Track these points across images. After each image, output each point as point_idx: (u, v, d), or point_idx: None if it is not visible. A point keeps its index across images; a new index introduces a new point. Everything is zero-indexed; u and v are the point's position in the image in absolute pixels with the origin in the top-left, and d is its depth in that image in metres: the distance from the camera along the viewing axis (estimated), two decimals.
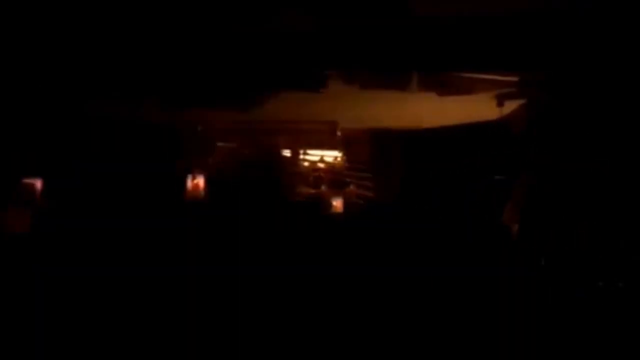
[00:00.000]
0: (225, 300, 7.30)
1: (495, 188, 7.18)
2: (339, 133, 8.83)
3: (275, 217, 8.36)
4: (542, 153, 6.35)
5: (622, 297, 5.54)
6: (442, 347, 6.58)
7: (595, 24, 5.16)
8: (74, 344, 6.53)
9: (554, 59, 5.63)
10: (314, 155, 9.42)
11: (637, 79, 5.53)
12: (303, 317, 7.19)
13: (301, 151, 9.39)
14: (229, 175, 8.92)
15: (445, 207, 8.10)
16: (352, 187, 9.25)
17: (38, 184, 7.80)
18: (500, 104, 6.70)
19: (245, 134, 9.09)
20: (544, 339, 5.82)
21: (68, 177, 7.97)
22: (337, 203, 8.73)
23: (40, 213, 7.62)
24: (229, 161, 9.20)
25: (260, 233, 8.09)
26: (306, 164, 9.42)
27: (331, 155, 9.40)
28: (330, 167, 9.39)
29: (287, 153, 9.43)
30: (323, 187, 9.27)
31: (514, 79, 6.13)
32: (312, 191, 9.24)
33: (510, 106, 6.78)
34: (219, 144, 9.22)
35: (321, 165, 9.42)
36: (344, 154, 9.32)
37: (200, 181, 8.49)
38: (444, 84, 6.16)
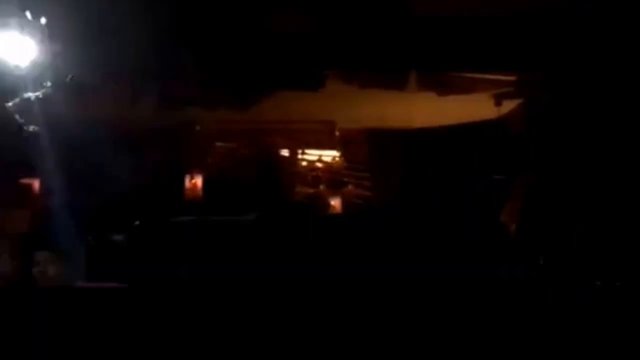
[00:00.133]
0: (221, 301, 7.29)
1: (494, 188, 7.18)
2: (337, 133, 8.82)
3: (273, 217, 8.35)
4: (540, 152, 6.36)
5: (620, 296, 5.55)
6: (441, 347, 6.58)
7: (593, 24, 5.16)
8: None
9: (552, 58, 5.63)
10: (312, 155, 9.41)
11: (635, 78, 5.54)
12: (301, 318, 7.19)
13: (299, 151, 9.39)
14: (227, 175, 8.92)
15: (444, 206, 8.10)
16: (350, 187, 9.25)
17: (36, 184, 7.80)
18: (498, 103, 6.71)
19: (243, 134, 9.09)
20: (543, 339, 5.83)
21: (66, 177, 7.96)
22: (336, 203, 8.73)
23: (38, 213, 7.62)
24: (227, 161, 9.20)
25: (258, 233, 8.09)
26: (304, 163, 9.42)
27: (330, 155, 9.39)
28: (329, 167, 9.39)
29: (285, 153, 9.42)
30: (321, 187, 9.27)
31: (512, 78, 6.14)
32: (311, 191, 9.24)
33: (509, 105, 6.79)
34: (217, 144, 9.22)
35: (319, 165, 9.41)
36: (343, 154, 9.32)
37: (198, 181, 8.49)
38: (442, 84, 6.16)
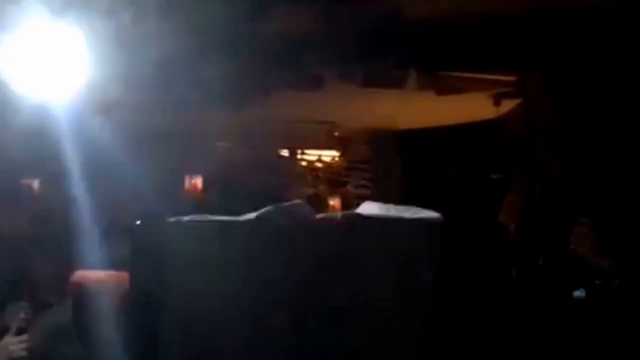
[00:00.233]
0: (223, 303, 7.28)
1: (494, 187, 7.19)
2: (336, 133, 8.83)
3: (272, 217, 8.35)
4: (540, 152, 6.36)
5: (619, 296, 5.54)
6: (441, 346, 6.58)
7: (593, 24, 5.16)
8: None
9: (551, 58, 5.63)
10: (311, 155, 9.42)
11: (635, 78, 5.54)
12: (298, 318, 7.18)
13: (299, 151, 9.40)
14: (227, 176, 8.92)
15: (444, 206, 8.10)
16: (350, 187, 9.26)
17: (36, 184, 7.79)
18: (497, 103, 6.72)
19: (242, 134, 9.09)
20: (542, 339, 5.83)
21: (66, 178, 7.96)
22: (335, 203, 8.73)
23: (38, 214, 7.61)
24: (226, 161, 9.20)
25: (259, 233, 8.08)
26: (304, 164, 9.43)
27: (329, 155, 9.41)
28: (328, 167, 9.40)
29: (284, 153, 9.43)
30: (321, 188, 9.28)
31: (512, 78, 6.15)
32: (310, 191, 9.24)
33: (508, 105, 6.79)
34: (217, 144, 9.23)
35: (319, 165, 9.43)
36: (342, 154, 9.33)
37: (198, 182, 8.50)
38: (442, 84, 6.16)
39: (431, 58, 5.70)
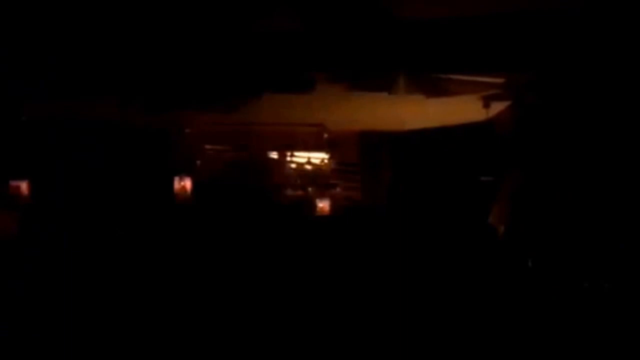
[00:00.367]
0: (212, 301, 7.29)
1: (482, 189, 7.20)
2: (326, 135, 8.83)
3: (261, 219, 8.36)
4: (529, 154, 6.37)
5: (608, 298, 5.56)
6: (431, 348, 6.59)
7: (582, 25, 5.17)
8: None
9: (540, 60, 5.64)
10: (301, 157, 9.42)
11: (624, 79, 5.56)
12: (291, 318, 7.19)
13: (288, 153, 9.40)
14: (216, 178, 8.91)
15: (433, 208, 8.12)
16: (339, 189, 9.26)
17: (24, 186, 7.77)
18: (486, 105, 6.72)
19: (232, 136, 9.08)
20: (530, 340, 5.84)
21: (55, 179, 7.95)
22: (324, 205, 8.73)
23: (26, 215, 7.60)
24: (216, 163, 9.19)
25: (247, 235, 8.09)
26: (293, 166, 9.43)
27: (318, 157, 9.41)
28: (318, 169, 9.40)
29: (274, 155, 9.43)
30: (310, 190, 9.27)
31: (501, 80, 6.15)
32: (299, 193, 9.24)
33: (497, 107, 6.80)
34: (206, 146, 9.22)
35: (308, 167, 9.42)
36: (332, 156, 9.33)
37: (188, 184, 8.47)
38: (431, 86, 6.16)
39: (420, 60, 5.70)
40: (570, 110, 5.99)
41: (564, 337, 5.61)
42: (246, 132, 8.89)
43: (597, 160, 5.83)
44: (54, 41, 5.61)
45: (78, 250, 7.56)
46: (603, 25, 5.11)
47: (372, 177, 9.17)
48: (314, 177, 9.28)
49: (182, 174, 8.42)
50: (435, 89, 6.18)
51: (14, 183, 7.75)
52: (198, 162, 9.02)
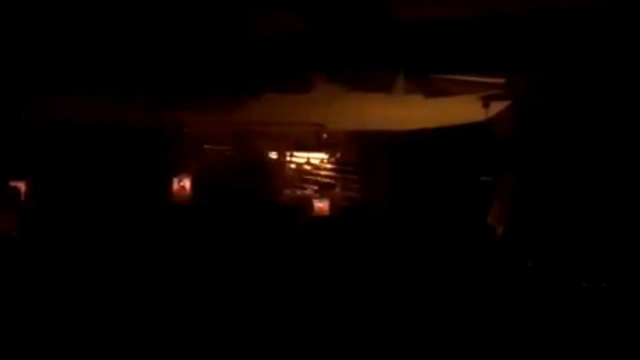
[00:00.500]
0: (209, 302, 7.29)
1: (481, 190, 7.20)
2: (325, 135, 8.83)
3: (261, 219, 8.35)
4: (528, 155, 6.37)
5: (607, 298, 5.57)
6: (430, 348, 6.59)
7: (581, 26, 5.18)
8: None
9: (540, 60, 5.64)
10: (300, 157, 9.42)
11: (623, 80, 5.56)
12: (290, 320, 7.19)
13: (288, 153, 9.40)
14: (216, 178, 8.91)
15: (432, 208, 8.12)
16: (338, 189, 9.26)
17: (23, 186, 7.77)
18: (486, 105, 6.72)
19: (231, 136, 9.08)
20: (529, 340, 5.84)
21: (55, 179, 7.95)
22: (324, 205, 8.73)
23: (26, 215, 7.60)
24: (216, 163, 9.18)
25: (247, 235, 8.09)
26: (293, 166, 9.43)
27: (318, 158, 9.41)
28: (317, 169, 9.40)
29: (273, 155, 9.43)
30: (309, 190, 9.27)
31: (500, 80, 6.15)
32: (299, 193, 9.24)
33: (497, 107, 6.80)
34: (206, 146, 9.22)
35: (308, 167, 9.42)
36: (331, 156, 9.33)
37: (187, 184, 8.47)
38: (430, 86, 6.16)
39: (419, 61, 5.70)
40: (570, 110, 5.99)
41: (563, 336, 5.61)
42: (246, 132, 8.89)
43: (597, 161, 5.83)
44: (54, 41, 5.61)
45: (77, 250, 7.56)
46: (603, 26, 5.12)
47: (371, 178, 9.17)
48: (313, 177, 9.30)
49: (181, 174, 8.43)
50: (435, 89, 6.18)
51: (13, 183, 7.75)
52: (197, 162, 9.01)
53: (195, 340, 6.82)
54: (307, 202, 8.85)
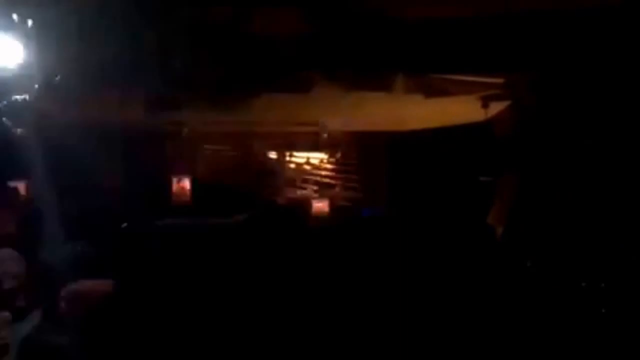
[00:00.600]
0: (209, 305, 7.27)
1: (481, 190, 7.20)
2: (325, 135, 8.83)
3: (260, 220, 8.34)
4: (528, 155, 6.37)
5: (606, 298, 5.56)
6: (430, 348, 6.58)
7: (581, 26, 5.18)
8: None
9: (539, 60, 5.64)
10: (300, 157, 9.42)
11: (623, 80, 5.56)
12: (290, 322, 7.17)
13: (287, 154, 9.40)
14: (215, 178, 8.91)
15: (432, 208, 8.11)
16: (338, 189, 9.26)
17: (22, 186, 7.76)
18: (485, 105, 6.72)
19: (231, 137, 9.08)
20: (529, 340, 5.83)
21: (54, 179, 7.94)
22: (323, 205, 8.73)
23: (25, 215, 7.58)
24: (215, 164, 9.19)
25: (246, 236, 8.07)
26: (292, 166, 9.43)
27: (317, 158, 9.41)
28: (317, 169, 9.40)
29: (273, 155, 9.43)
30: (309, 190, 9.28)
31: (500, 80, 6.15)
32: (298, 194, 9.25)
33: (496, 107, 6.80)
34: (205, 146, 9.22)
35: (308, 167, 9.43)
36: (330, 156, 9.34)
37: (186, 184, 8.48)
38: (430, 86, 6.16)
39: (419, 60, 5.70)
40: (569, 111, 5.99)
41: (563, 336, 5.61)
42: (245, 132, 8.89)
43: (596, 161, 5.83)
44: (54, 41, 5.61)
45: (77, 250, 7.54)
46: (602, 26, 5.12)
47: (371, 178, 9.17)
48: (313, 178, 9.31)
49: (181, 174, 8.43)
50: (434, 89, 6.18)
51: (12, 183, 7.74)
52: (196, 162, 9.02)
53: (195, 340, 6.81)
54: (307, 202, 8.86)
